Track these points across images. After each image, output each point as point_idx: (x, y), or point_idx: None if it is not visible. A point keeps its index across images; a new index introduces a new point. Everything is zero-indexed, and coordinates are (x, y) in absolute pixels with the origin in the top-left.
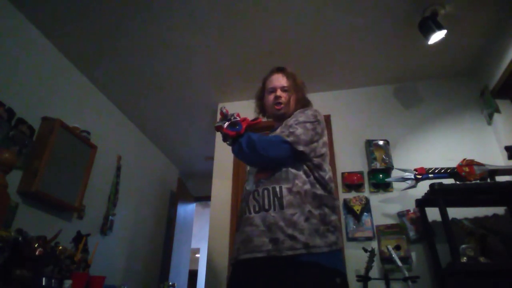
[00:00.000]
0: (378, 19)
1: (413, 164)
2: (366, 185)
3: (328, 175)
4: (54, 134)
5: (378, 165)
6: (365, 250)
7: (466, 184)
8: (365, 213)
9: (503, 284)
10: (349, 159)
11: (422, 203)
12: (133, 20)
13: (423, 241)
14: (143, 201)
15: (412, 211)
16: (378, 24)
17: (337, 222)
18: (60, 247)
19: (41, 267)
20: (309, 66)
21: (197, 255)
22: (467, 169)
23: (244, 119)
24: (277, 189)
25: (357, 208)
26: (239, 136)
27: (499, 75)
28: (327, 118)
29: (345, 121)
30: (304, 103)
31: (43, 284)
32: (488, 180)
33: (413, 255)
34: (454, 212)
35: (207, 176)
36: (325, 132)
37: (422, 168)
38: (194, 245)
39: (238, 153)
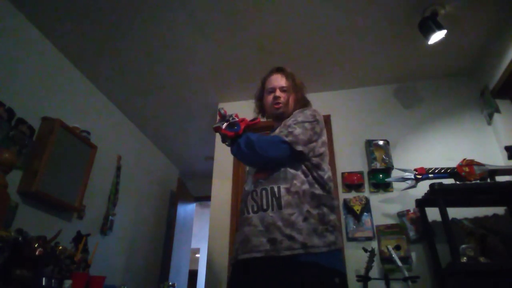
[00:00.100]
0: (378, 19)
1: (413, 164)
2: (366, 185)
3: (327, 174)
4: (54, 134)
5: (378, 165)
6: (365, 250)
7: (466, 184)
8: (365, 213)
9: (503, 284)
10: (349, 159)
11: (422, 203)
12: (133, 20)
13: (423, 241)
14: (143, 201)
15: (412, 211)
16: (378, 24)
17: (336, 221)
18: (60, 247)
19: (41, 267)
20: (309, 66)
21: (197, 255)
22: (467, 169)
23: (243, 120)
24: (275, 189)
25: (357, 208)
26: (237, 137)
27: (499, 75)
28: (327, 118)
29: (345, 121)
30: (303, 103)
31: (43, 284)
32: (488, 180)
33: (413, 255)
34: (454, 212)
35: (207, 176)
36: (324, 131)
37: (422, 168)
38: (194, 245)
39: (237, 153)
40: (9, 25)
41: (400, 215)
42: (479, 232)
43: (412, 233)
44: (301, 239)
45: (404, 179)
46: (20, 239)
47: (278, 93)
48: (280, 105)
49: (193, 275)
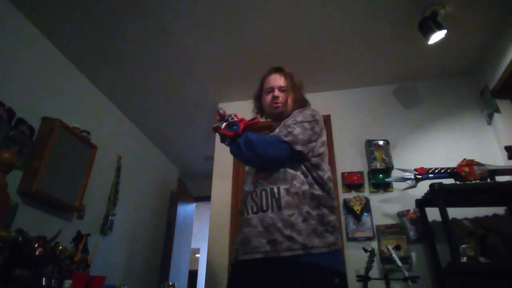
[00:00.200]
0: (378, 19)
1: (413, 164)
2: (366, 185)
3: (326, 174)
4: (54, 134)
5: (378, 165)
6: (365, 250)
7: (466, 184)
8: (365, 213)
9: (503, 284)
10: (349, 159)
11: (422, 203)
12: (133, 20)
13: (423, 241)
14: (143, 201)
15: (412, 211)
16: (378, 24)
17: (335, 222)
18: (60, 247)
19: (41, 267)
20: (309, 66)
21: (197, 255)
22: (467, 169)
23: (242, 120)
24: (275, 190)
25: (357, 208)
26: (237, 136)
27: (499, 75)
28: (327, 118)
29: (345, 121)
30: (302, 103)
31: (43, 284)
32: (488, 180)
33: (413, 255)
34: (454, 212)
35: (207, 176)
36: (324, 131)
37: (422, 168)
38: (194, 245)
39: (236, 153)
40: (9, 25)
41: (400, 215)
42: (479, 232)
43: (412, 233)
44: (301, 240)
45: (404, 179)
46: (20, 239)
47: (276, 92)
48: (279, 104)
49: (193, 275)
